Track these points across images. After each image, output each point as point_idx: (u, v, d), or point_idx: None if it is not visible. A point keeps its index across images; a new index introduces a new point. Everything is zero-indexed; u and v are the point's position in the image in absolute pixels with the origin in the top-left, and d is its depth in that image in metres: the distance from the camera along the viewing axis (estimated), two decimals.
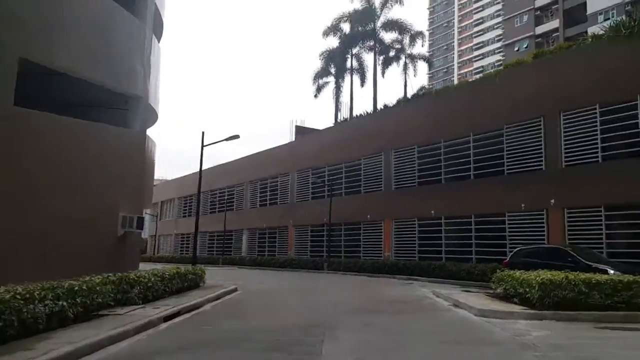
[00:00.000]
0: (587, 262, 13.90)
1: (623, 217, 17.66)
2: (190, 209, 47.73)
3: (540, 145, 20.20)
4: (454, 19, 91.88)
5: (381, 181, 28.03)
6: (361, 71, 36.78)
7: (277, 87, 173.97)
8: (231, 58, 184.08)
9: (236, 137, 22.00)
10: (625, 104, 17.47)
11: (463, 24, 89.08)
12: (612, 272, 13.65)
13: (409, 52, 34.96)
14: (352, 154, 30.13)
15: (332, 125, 36.27)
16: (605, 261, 14.86)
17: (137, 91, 17.32)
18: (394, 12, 40.34)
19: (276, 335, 7.76)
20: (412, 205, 25.53)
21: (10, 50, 12.14)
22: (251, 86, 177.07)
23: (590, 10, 46.49)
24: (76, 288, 8.01)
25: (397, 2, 33.86)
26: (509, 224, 20.85)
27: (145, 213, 24.46)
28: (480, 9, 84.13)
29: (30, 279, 7.62)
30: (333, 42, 37.74)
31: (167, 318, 9.04)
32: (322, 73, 38.71)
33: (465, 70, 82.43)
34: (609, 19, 40.80)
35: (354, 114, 34.51)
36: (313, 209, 32.59)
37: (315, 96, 38.77)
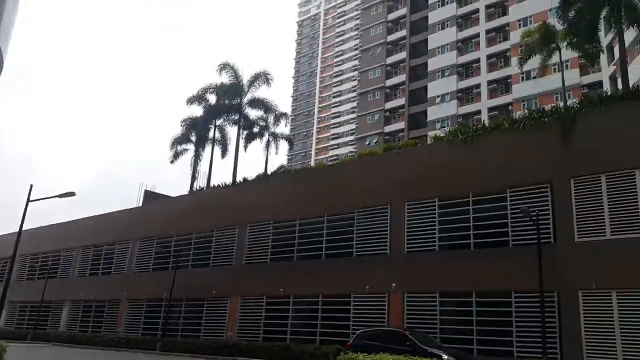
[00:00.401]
0: (423, 347, 14.40)
1: (455, 304, 19.03)
2: (2, 274, 40.50)
3: (386, 231, 21.33)
4: (314, 109, 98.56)
5: (232, 255, 26.88)
6: (223, 143, 36.43)
7: (130, 148, 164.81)
8: (86, 107, 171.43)
9: (71, 194, 19.64)
10: (460, 200, 19.48)
11: (322, 115, 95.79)
12: (446, 357, 14.26)
13: (272, 130, 35.81)
14: (204, 225, 28.71)
15: (186, 193, 34.60)
16: (439, 346, 15.54)
17: None
18: (261, 92, 41.55)
19: None
20: (262, 282, 24.71)
21: None
22: (103, 143, 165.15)
23: (430, 117, 53.65)
24: None
25: (264, 82, 35.03)
26: (354, 305, 21.11)
27: None
28: (338, 104, 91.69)
29: None
30: (197, 110, 36.93)
31: None
32: (181, 139, 37.45)
33: (322, 156, 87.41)
34: (444, 126, 47.26)
35: (212, 184, 33.47)
36: (153, 281, 29.78)
37: (172, 162, 37.10)
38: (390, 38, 62.75)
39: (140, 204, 35.80)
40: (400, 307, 19.71)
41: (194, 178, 36.28)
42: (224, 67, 35.36)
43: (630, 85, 20.47)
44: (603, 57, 38.45)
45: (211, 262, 27.87)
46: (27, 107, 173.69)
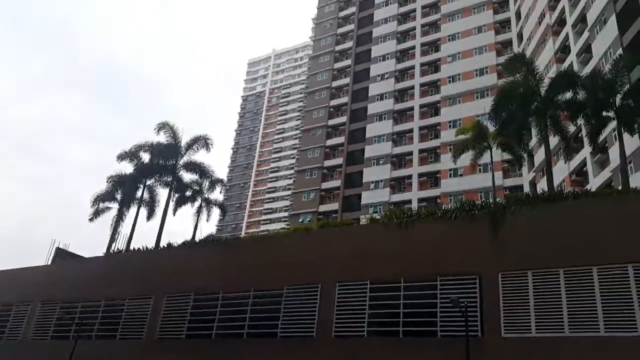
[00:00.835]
0: None
1: None
2: None
3: (315, 312, 20.41)
4: (250, 182, 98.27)
5: (144, 328, 24.49)
6: (151, 204, 34.66)
7: (51, 203, 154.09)
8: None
9: None
10: (391, 285, 19.18)
11: (257, 189, 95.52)
12: None
13: (206, 195, 34.76)
14: (116, 292, 26.23)
15: (102, 255, 31.97)
16: None
17: None
18: (199, 156, 40.66)
19: None
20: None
21: None
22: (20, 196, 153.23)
23: (364, 201, 54.91)
24: None
25: (204, 147, 34.47)
26: None
27: None
28: (275, 179, 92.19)
29: None
30: (128, 167, 35.32)
31: None
32: (105, 197, 35.30)
33: (253, 230, 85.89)
34: (376, 212, 48.33)
35: (132, 247, 31.21)
36: (50, 350, 26.36)
37: (91, 220, 34.60)
38: (332, 122, 65.22)
39: (49, 263, 32.55)
40: None
41: (113, 239, 33.80)
42: (162, 126, 34.61)
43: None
44: (524, 165, 41.56)
45: (119, 333, 25.21)
46: None
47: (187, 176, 35.02)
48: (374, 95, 62.06)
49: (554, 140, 29.00)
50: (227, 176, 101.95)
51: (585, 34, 38.51)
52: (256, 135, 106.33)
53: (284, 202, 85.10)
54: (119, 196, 35.17)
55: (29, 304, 29.51)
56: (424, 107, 58.80)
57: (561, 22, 44.27)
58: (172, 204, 34.11)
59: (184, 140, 34.77)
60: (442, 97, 57.09)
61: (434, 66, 60.67)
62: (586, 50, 38.68)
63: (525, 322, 16.05)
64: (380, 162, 57.40)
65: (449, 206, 22.78)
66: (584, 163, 35.98)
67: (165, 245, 28.40)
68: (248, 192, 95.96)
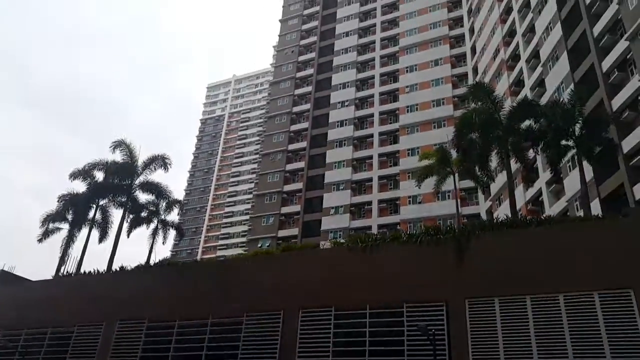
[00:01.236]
0: None
1: None
2: None
3: (277, 340, 19.60)
4: (207, 205, 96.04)
5: (94, 357, 22.79)
6: (104, 225, 32.93)
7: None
8: None
9: None
10: (357, 311, 18.71)
11: (214, 213, 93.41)
12: None
13: (163, 217, 33.38)
14: (64, 318, 24.44)
15: (50, 278, 29.90)
16: None
17: None
18: (156, 176, 39.40)
19: None
20: None
21: None
22: None
23: (324, 227, 54.68)
24: None
25: (162, 166, 33.28)
26: None
27: None
28: (233, 203, 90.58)
29: None
30: (80, 186, 33.61)
31: None
32: (56, 217, 33.31)
33: (209, 255, 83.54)
34: (336, 237, 48.07)
35: (82, 271, 29.36)
36: None
37: (40, 241, 32.50)
38: (292, 147, 65.10)
39: None
40: None
41: (62, 262, 31.76)
42: (118, 144, 33.29)
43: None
44: (480, 194, 42.53)
45: None
46: None
47: (143, 197, 33.74)
48: (334, 121, 62.65)
49: (512, 167, 29.88)
50: (184, 199, 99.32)
51: (539, 69, 40.39)
52: (214, 159, 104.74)
53: (241, 227, 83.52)
54: (70, 216, 33.27)
55: None
56: (383, 134, 59.78)
57: (515, 57, 46.38)
58: (126, 225, 32.61)
59: (141, 159, 33.58)
60: (400, 125, 58.24)
61: (393, 95, 62.04)
62: (539, 84, 40.50)
63: (494, 350, 15.90)
64: (341, 187, 57.50)
65: (417, 229, 22.69)
66: (539, 193, 37.16)
67: (118, 269, 26.87)
68: (205, 216, 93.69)
